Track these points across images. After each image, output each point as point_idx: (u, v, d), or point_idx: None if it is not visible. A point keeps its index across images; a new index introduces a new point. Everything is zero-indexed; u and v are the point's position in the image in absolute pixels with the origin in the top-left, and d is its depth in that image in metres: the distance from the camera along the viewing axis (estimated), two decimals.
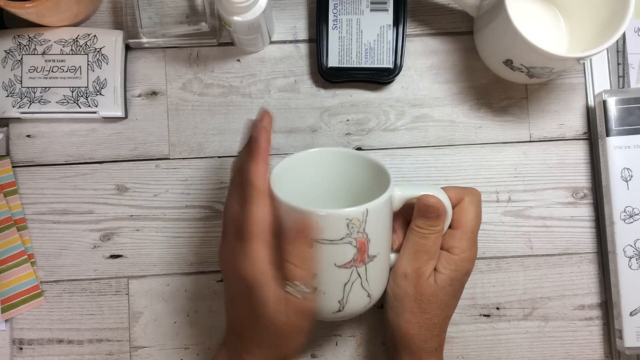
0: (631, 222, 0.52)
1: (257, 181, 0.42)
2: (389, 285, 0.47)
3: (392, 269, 0.47)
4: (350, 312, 0.45)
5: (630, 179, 0.53)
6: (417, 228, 0.46)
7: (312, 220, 0.42)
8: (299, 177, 0.49)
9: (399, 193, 0.45)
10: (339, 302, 0.44)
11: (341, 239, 0.42)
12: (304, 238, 0.41)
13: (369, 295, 0.45)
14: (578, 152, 0.56)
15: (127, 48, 0.55)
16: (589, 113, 0.56)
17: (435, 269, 0.46)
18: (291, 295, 0.41)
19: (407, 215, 0.47)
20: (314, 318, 0.43)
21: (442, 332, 0.47)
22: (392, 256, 0.47)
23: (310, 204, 0.42)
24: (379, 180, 0.47)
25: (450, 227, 0.47)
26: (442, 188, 0.47)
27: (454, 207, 0.47)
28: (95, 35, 0.54)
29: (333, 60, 0.54)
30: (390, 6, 0.54)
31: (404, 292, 0.45)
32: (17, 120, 0.55)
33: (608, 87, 0.56)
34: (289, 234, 0.42)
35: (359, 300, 0.45)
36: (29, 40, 0.53)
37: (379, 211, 0.43)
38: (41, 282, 0.54)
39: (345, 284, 0.43)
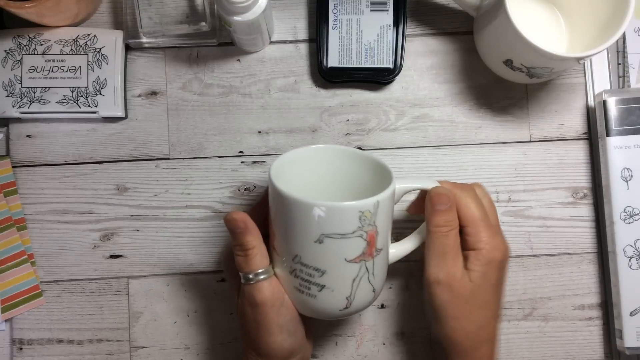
0: (631, 222, 0.52)
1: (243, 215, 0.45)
2: (425, 298, 0.46)
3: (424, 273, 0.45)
4: (356, 309, 0.45)
5: (630, 179, 0.53)
6: (436, 228, 0.44)
7: (242, 215, 0.43)
8: (298, 174, 0.48)
9: (399, 186, 0.45)
10: (346, 298, 0.43)
11: (353, 232, 0.41)
12: (236, 231, 0.43)
13: (374, 290, 0.44)
14: (578, 152, 0.56)
15: (127, 48, 0.55)
16: (589, 113, 0.56)
17: (467, 269, 0.44)
18: (244, 286, 0.44)
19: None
20: (274, 308, 0.44)
21: (491, 336, 0.45)
22: (392, 247, 0.46)
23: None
24: (377, 177, 0.47)
25: (460, 228, 0.46)
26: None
27: None
28: (95, 35, 0.54)
29: (333, 60, 0.54)
30: (390, 6, 0.54)
31: (441, 300, 0.44)
32: (17, 120, 0.55)
33: (608, 87, 0.56)
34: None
35: (365, 296, 0.44)
36: (29, 40, 0.53)
37: (387, 203, 0.43)
38: (41, 282, 0.54)
39: (354, 280, 0.43)
